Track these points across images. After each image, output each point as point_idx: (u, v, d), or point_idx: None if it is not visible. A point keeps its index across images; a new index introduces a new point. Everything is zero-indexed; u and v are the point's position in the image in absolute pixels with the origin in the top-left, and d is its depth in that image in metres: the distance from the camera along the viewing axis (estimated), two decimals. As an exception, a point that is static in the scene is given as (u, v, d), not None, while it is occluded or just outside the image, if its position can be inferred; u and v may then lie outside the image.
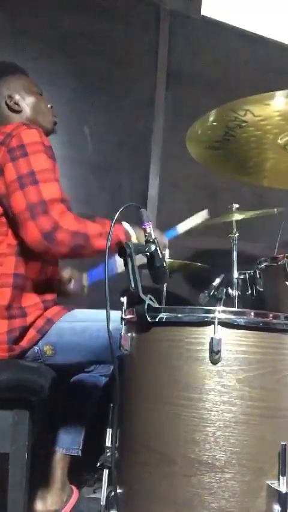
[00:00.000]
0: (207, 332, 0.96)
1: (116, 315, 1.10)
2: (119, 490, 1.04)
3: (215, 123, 1.53)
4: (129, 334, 1.09)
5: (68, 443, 1.54)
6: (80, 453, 1.55)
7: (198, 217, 1.78)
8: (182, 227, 1.75)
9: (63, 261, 1.60)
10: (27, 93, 1.56)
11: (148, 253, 1.14)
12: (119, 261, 1.53)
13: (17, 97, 1.54)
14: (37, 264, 1.40)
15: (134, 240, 1.42)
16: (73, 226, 1.27)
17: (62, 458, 1.53)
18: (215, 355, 0.94)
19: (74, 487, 1.56)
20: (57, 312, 1.42)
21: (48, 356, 1.39)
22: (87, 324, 1.41)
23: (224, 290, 1.67)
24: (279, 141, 1.59)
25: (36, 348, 1.39)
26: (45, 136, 1.38)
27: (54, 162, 1.37)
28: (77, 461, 1.57)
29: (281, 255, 1.55)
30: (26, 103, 1.55)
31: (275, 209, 1.91)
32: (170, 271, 1.90)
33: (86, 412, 1.60)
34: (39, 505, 1.45)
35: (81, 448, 1.56)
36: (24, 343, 1.35)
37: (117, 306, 1.11)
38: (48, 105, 1.60)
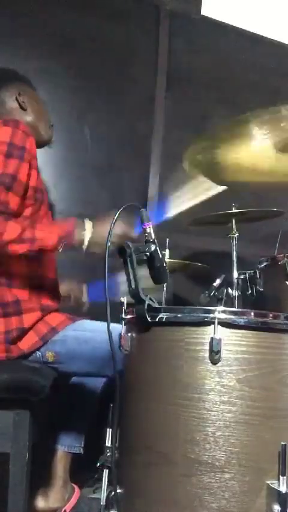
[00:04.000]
0: (207, 332, 0.96)
1: (119, 328, 1.10)
2: (119, 490, 1.04)
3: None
4: (129, 334, 1.09)
5: (70, 441, 1.55)
6: (81, 451, 1.56)
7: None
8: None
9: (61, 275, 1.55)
10: (36, 101, 1.60)
11: (148, 253, 1.14)
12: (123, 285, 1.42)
13: (26, 98, 1.57)
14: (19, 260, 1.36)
15: (86, 238, 1.29)
16: None
17: (64, 456, 1.54)
18: (215, 355, 0.94)
19: (75, 486, 1.57)
20: (62, 322, 1.42)
21: (50, 363, 1.39)
22: (91, 334, 1.40)
23: (225, 290, 1.67)
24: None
25: (38, 353, 1.39)
26: (20, 137, 1.31)
27: (16, 163, 1.29)
28: (77, 461, 1.58)
29: (281, 255, 1.55)
30: (33, 108, 1.57)
31: (275, 209, 1.90)
32: (170, 271, 1.90)
33: (86, 411, 1.61)
34: (41, 502, 1.46)
35: (83, 446, 1.56)
36: (24, 347, 1.35)
37: (117, 306, 1.11)
38: (50, 124, 1.62)
